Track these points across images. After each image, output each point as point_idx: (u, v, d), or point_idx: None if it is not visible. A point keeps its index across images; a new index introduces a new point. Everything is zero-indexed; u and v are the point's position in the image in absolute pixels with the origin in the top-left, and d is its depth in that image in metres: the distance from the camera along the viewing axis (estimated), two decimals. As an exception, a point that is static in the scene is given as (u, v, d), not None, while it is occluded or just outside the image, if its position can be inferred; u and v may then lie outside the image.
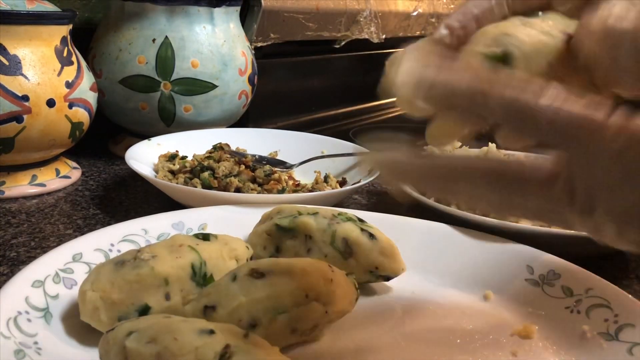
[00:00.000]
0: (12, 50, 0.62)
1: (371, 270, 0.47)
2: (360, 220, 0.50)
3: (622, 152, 0.23)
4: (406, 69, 0.26)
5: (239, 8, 0.85)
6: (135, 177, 0.74)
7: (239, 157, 0.70)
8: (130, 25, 0.78)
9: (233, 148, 0.76)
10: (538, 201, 0.26)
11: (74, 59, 0.69)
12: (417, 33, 1.41)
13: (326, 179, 0.70)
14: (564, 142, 0.24)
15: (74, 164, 0.76)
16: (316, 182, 0.69)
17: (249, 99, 0.87)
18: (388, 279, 0.48)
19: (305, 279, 0.39)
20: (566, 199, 0.25)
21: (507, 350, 0.42)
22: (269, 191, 0.64)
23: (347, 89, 1.25)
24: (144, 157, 0.70)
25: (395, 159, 0.28)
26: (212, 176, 0.64)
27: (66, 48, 0.68)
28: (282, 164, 0.74)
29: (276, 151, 0.79)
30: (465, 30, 0.30)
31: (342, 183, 0.71)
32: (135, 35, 0.77)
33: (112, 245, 0.48)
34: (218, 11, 0.80)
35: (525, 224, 0.56)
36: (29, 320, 0.38)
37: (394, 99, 0.29)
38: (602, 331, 0.42)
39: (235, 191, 0.63)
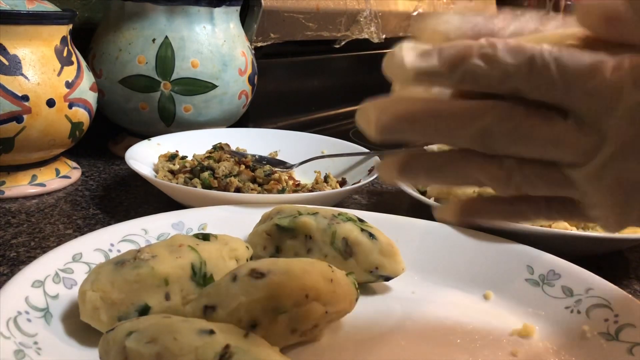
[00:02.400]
0: (12, 50, 0.62)
1: (371, 270, 0.47)
2: (360, 220, 0.50)
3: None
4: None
5: (239, 8, 0.85)
6: (135, 177, 0.74)
7: (239, 157, 0.70)
8: (130, 25, 0.78)
9: (233, 148, 0.76)
10: (549, 132, 0.26)
11: (74, 58, 0.69)
12: (417, 33, 1.41)
13: (326, 179, 0.70)
14: (580, 96, 0.25)
15: (74, 164, 0.76)
16: (316, 182, 0.69)
17: (249, 99, 0.87)
18: (388, 279, 0.48)
19: (305, 279, 0.39)
20: (577, 132, 0.25)
21: (507, 350, 0.42)
22: (269, 191, 0.64)
23: (347, 89, 1.25)
24: (144, 157, 0.70)
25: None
26: (212, 176, 0.64)
27: (66, 48, 0.68)
28: (282, 164, 0.74)
29: (276, 151, 0.79)
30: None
31: (342, 183, 0.71)
32: (135, 35, 0.77)
33: (112, 245, 0.48)
34: (218, 11, 0.80)
35: (525, 224, 0.56)
36: (29, 320, 0.38)
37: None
38: (602, 331, 0.42)
39: (235, 191, 0.63)
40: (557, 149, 0.26)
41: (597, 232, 0.57)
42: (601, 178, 0.26)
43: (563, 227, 0.56)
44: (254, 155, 0.72)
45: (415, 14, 1.35)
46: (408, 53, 0.26)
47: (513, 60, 0.25)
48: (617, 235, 0.56)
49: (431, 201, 0.61)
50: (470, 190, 0.61)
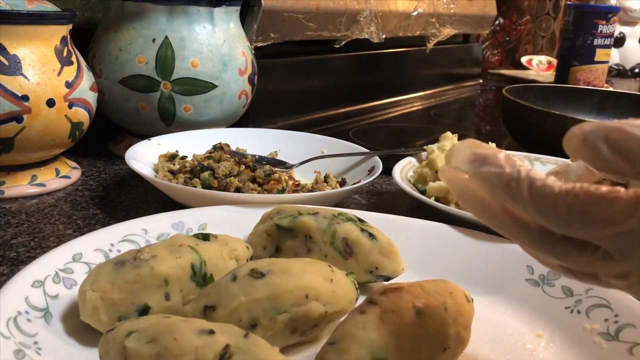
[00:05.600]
0: (12, 50, 0.62)
1: (371, 270, 0.47)
2: (360, 220, 0.50)
3: None
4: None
5: (239, 8, 0.85)
6: (135, 177, 0.74)
7: (239, 157, 0.70)
8: (130, 25, 0.78)
9: (233, 148, 0.76)
10: (583, 260, 0.27)
11: (73, 58, 0.69)
12: (417, 33, 1.41)
13: (326, 179, 0.70)
14: (602, 239, 0.26)
15: (74, 164, 0.76)
16: (316, 182, 0.69)
17: (249, 99, 0.87)
18: (388, 279, 0.48)
19: (305, 279, 0.39)
20: None
21: (507, 349, 0.42)
22: (269, 191, 0.64)
23: (347, 89, 1.25)
24: (144, 157, 0.70)
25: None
26: (212, 176, 0.64)
27: (66, 48, 0.68)
28: (282, 164, 0.74)
29: (276, 151, 0.79)
30: None
31: (342, 183, 0.71)
32: (135, 35, 0.77)
33: (112, 245, 0.48)
34: (218, 11, 0.80)
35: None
36: (29, 320, 0.38)
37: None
38: (602, 331, 0.42)
39: (235, 191, 0.63)
40: (593, 270, 0.28)
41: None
42: (635, 290, 0.28)
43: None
44: (254, 155, 0.72)
45: (415, 14, 1.35)
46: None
47: (542, 201, 0.25)
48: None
49: (431, 201, 0.61)
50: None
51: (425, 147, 0.73)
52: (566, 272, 0.29)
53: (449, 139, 0.74)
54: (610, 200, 0.24)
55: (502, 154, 0.27)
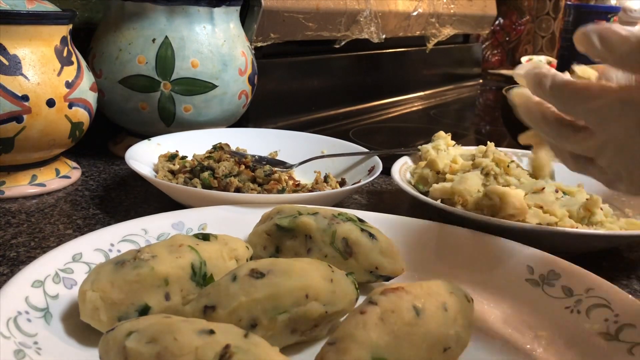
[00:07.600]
0: (12, 50, 0.62)
1: (371, 271, 0.47)
2: (360, 220, 0.50)
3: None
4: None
5: (239, 8, 0.85)
6: (135, 177, 0.74)
7: (239, 157, 0.70)
8: (130, 25, 0.78)
9: (233, 148, 0.76)
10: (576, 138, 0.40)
11: (73, 58, 0.69)
12: (417, 33, 1.41)
13: (326, 179, 0.70)
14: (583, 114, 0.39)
15: (74, 164, 0.76)
16: (316, 182, 0.69)
17: (249, 99, 0.87)
18: (388, 279, 0.48)
19: (305, 278, 0.39)
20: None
21: (507, 349, 0.42)
22: (269, 191, 0.64)
23: (347, 89, 1.25)
24: (144, 157, 0.70)
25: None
26: (212, 176, 0.64)
27: (66, 48, 0.68)
28: (282, 164, 0.74)
29: (276, 151, 0.79)
30: None
31: (342, 183, 0.71)
32: (135, 35, 0.77)
33: (112, 245, 0.48)
34: (218, 11, 0.80)
35: (524, 224, 0.56)
36: (29, 320, 0.38)
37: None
38: (602, 331, 0.42)
39: (235, 191, 0.63)
40: (582, 149, 0.40)
41: (595, 230, 0.57)
42: (611, 166, 0.39)
43: (556, 224, 0.56)
44: (254, 156, 0.72)
45: (415, 14, 1.34)
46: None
47: (552, 90, 0.39)
48: (614, 232, 0.56)
49: (431, 200, 0.61)
50: (475, 189, 0.61)
51: (419, 146, 0.73)
52: (574, 160, 0.42)
53: (443, 138, 0.74)
54: (590, 86, 0.37)
55: (551, 69, 0.40)
